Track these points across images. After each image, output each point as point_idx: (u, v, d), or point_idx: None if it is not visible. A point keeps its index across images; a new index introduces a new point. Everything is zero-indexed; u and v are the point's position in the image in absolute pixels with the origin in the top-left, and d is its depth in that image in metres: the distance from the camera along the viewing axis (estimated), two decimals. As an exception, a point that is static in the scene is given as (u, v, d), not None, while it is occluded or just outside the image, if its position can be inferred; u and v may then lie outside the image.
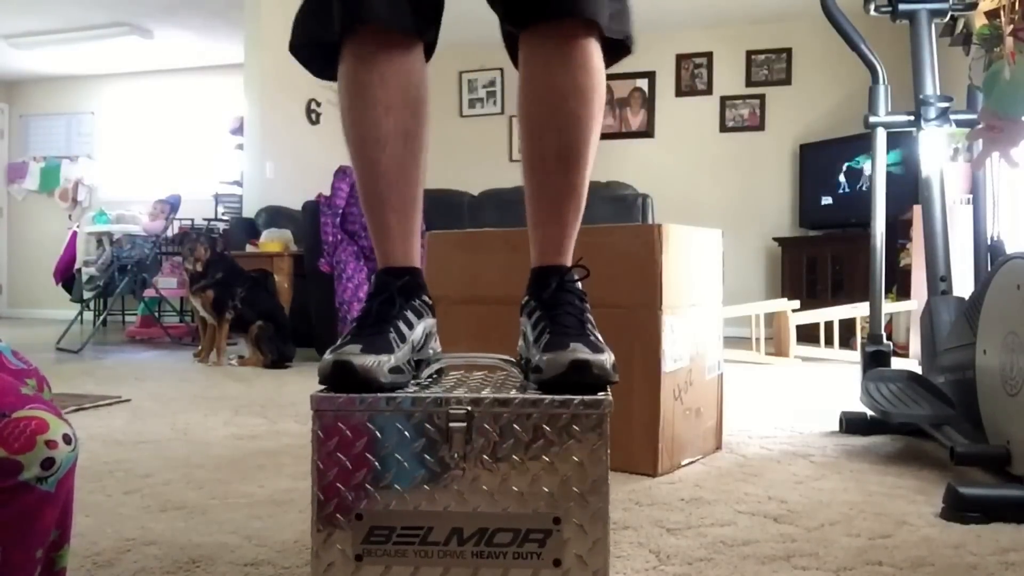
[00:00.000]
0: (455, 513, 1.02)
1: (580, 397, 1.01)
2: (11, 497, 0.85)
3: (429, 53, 1.28)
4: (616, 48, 1.23)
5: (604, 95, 1.20)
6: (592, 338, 1.09)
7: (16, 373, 1.03)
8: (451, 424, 1.02)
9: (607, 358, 1.05)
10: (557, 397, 1.01)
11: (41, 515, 0.89)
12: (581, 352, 1.03)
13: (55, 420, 0.89)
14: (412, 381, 1.15)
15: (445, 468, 1.02)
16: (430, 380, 1.18)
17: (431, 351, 1.25)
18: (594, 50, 1.16)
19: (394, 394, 1.04)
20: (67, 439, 0.88)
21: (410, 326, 1.16)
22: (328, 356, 1.06)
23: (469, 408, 1.02)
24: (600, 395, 1.03)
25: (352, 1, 1.15)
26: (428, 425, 1.03)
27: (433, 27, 1.25)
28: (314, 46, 1.23)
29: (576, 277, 1.20)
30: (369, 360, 1.04)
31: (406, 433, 1.03)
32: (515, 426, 1.02)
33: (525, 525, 1.01)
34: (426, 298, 1.24)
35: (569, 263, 1.22)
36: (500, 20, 1.21)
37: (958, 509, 1.60)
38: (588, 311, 1.17)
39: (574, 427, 1.01)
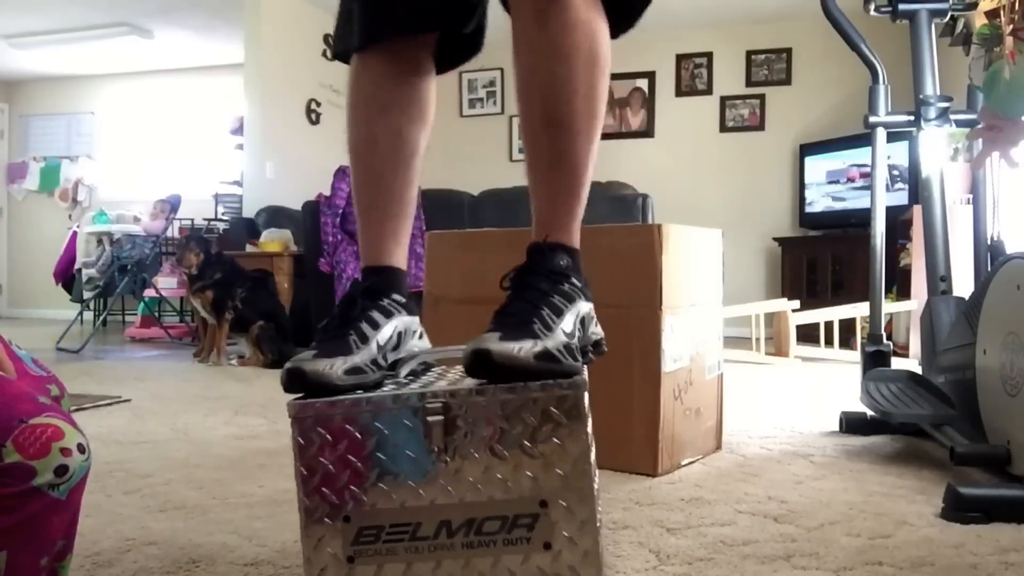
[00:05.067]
0: (442, 506, 1.02)
1: (555, 380, 1.01)
2: (22, 502, 0.86)
3: (463, 34, 1.26)
4: (629, 4, 1.18)
5: (597, 56, 1.12)
6: (532, 326, 1.02)
7: (38, 380, 1.04)
8: (429, 418, 1.02)
9: (524, 346, 0.98)
10: (533, 383, 1.00)
11: (50, 522, 0.90)
12: (487, 342, 0.99)
13: (71, 429, 0.90)
14: (390, 380, 1.14)
15: (428, 462, 1.02)
16: (409, 378, 1.17)
17: (414, 349, 1.23)
18: (578, 7, 1.10)
19: (371, 394, 1.04)
20: (81, 448, 0.90)
21: (375, 326, 1.15)
22: (286, 364, 1.06)
23: (446, 400, 1.02)
24: (575, 377, 1.02)
25: (368, 20, 1.20)
26: (407, 421, 1.03)
27: (441, 10, 1.22)
28: (347, 55, 1.28)
29: (556, 254, 1.13)
30: (321, 364, 1.04)
31: (386, 431, 1.03)
32: (493, 414, 1.01)
33: (512, 511, 1.01)
34: (398, 296, 1.22)
35: (563, 240, 1.15)
36: None
37: (958, 509, 1.60)
38: (555, 293, 1.10)
39: (552, 410, 1.00)
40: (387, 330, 1.17)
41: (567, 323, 1.08)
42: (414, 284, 1.31)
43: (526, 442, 1.01)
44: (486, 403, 1.02)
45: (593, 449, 1.02)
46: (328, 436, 1.03)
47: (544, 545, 1.00)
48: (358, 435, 1.03)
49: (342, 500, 1.02)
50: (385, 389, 1.08)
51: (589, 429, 1.01)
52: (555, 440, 1.00)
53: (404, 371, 1.18)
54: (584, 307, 1.15)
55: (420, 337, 1.27)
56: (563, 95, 1.12)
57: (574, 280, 1.14)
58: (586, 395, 1.01)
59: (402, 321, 1.21)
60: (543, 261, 1.13)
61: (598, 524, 1.01)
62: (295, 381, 1.04)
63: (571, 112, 1.12)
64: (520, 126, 1.18)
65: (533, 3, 1.11)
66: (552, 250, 1.14)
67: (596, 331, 1.18)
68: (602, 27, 1.14)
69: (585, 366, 1.08)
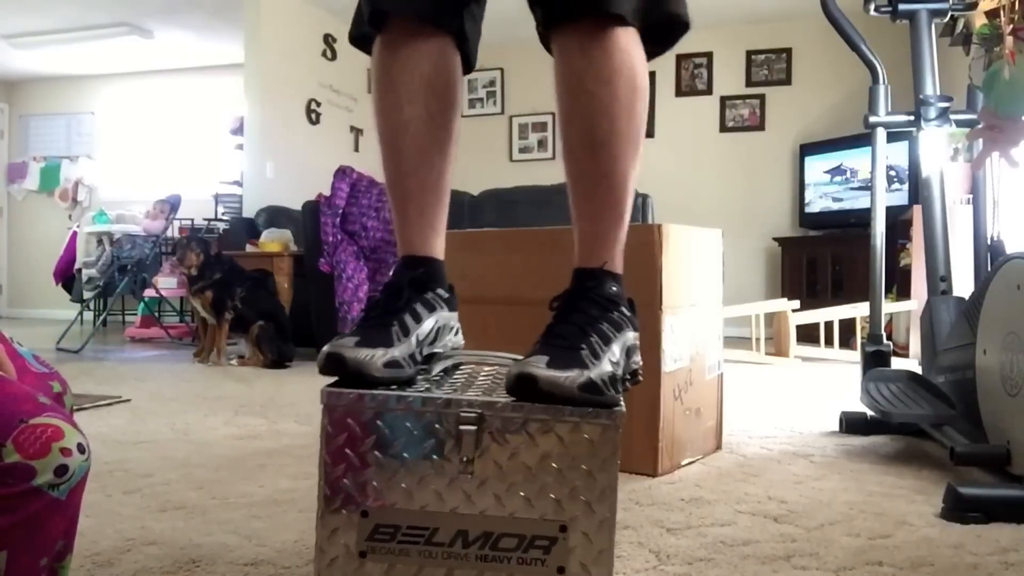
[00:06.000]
0: (461, 515, 1.01)
1: (593, 408, 1.00)
2: (22, 501, 0.86)
3: (468, 50, 1.27)
4: (666, 29, 1.20)
5: (634, 81, 1.15)
6: (580, 351, 1.03)
7: (40, 377, 1.04)
8: (461, 427, 1.01)
9: (570, 375, 0.99)
10: (570, 407, 1.00)
11: (50, 522, 0.90)
12: (533, 367, 0.99)
13: (70, 429, 0.90)
14: (421, 376, 1.14)
15: (453, 470, 1.01)
16: (440, 376, 1.17)
17: (449, 344, 1.23)
18: (619, 37, 1.13)
19: (405, 393, 1.04)
20: (81, 448, 0.90)
21: (417, 319, 1.15)
22: (325, 347, 1.05)
23: (481, 411, 1.01)
24: (615, 409, 1.01)
25: None
26: (438, 426, 1.02)
27: (456, 16, 1.23)
28: (364, 39, 1.27)
29: (605, 281, 1.14)
30: (362, 354, 1.04)
31: (415, 432, 1.02)
32: (526, 432, 1.01)
33: (531, 531, 1.00)
34: (441, 291, 1.22)
35: (608, 265, 1.16)
36: (536, 22, 1.21)
37: (958, 509, 1.60)
38: (605, 320, 1.11)
39: (585, 436, 1.00)
40: (428, 324, 1.17)
41: (614, 353, 1.09)
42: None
43: (555, 465, 1.00)
44: (521, 420, 1.01)
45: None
46: (357, 428, 1.02)
47: (558, 569, 0.99)
48: (387, 432, 1.02)
49: (362, 494, 1.02)
50: (419, 388, 1.07)
51: (619, 461, 1.01)
52: (584, 468, 1.00)
53: (437, 368, 1.17)
54: (631, 336, 1.16)
55: (456, 333, 1.27)
56: (606, 117, 1.14)
57: (623, 309, 1.16)
58: (621, 428, 1.00)
59: (443, 316, 1.21)
60: (595, 286, 1.14)
61: (614, 554, 1.01)
62: (333, 366, 1.04)
63: (614, 133, 1.14)
64: (563, 156, 1.20)
65: (577, 37, 1.13)
66: (604, 276, 1.15)
67: (637, 360, 1.19)
68: (640, 54, 1.17)
69: (621, 395, 1.08)
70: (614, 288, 1.15)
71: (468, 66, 1.30)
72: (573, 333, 1.07)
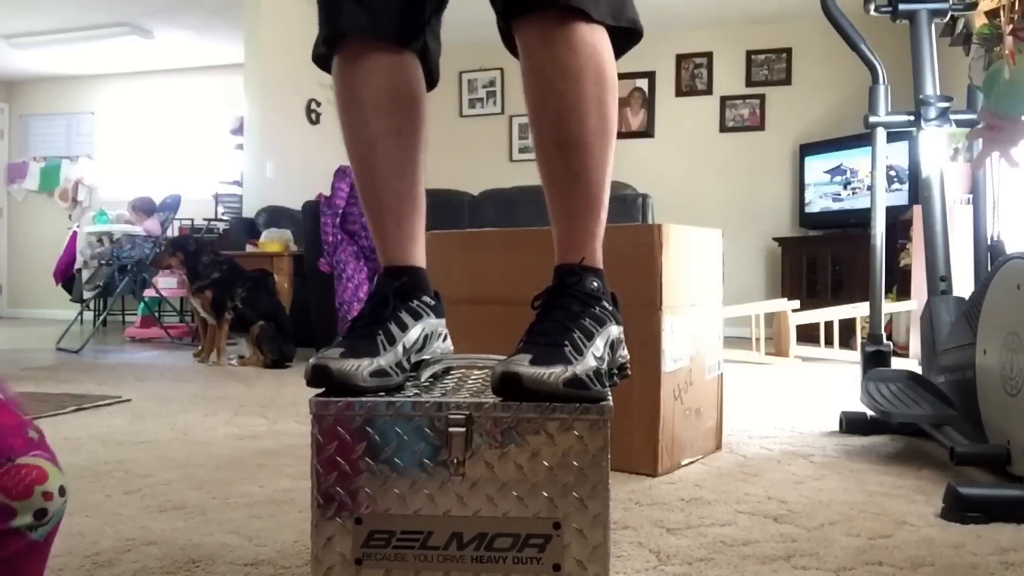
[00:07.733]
0: (455, 517, 1.02)
1: (581, 404, 1.00)
2: (1, 542, 0.85)
3: (431, 66, 1.27)
4: (623, 35, 1.18)
5: (603, 75, 1.13)
6: (563, 348, 1.03)
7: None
8: (451, 428, 1.01)
9: (554, 371, 0.99)
10: (558, 403, 1.00)
11: (25, 564, 0.89)
12: (516, 365, 0.99)
13: (54, 471, 0.89)
14: (411, 383, 1.14)
15: (445, 472, 1.02)
16: (429, 382, 1.17)
17: (437, 351, 1.24)
18: (583, 31, 1.11)
19: (394, 398, 1.04)
20: (62, 491, 0.89)
21: (403, 327, 1.15)
22: (311, 360, 1.06)
23: (469, 412, 1.02)
24: (601, 402, 1.02)
25: (332, 14, 1.19)
26: (428, 429, 1.02)
27: (419, 35, 1.23)
28: (323, 58, 1.26)
29: (586, 277, 1.14)
30: (348, 364, 1.04)
31: (405, 437, 1.02)
32: (515, 431, 1.01)
33: (525, 530, 1.01)
34: (427, 299, 1.23)
35: (588, 260, 1.16)
36: (496, 16, 1.19)
37: (958, 509, 1.60)
38: (587, 316, 1.11)
39: (574, 432, 1.00)
40: (414, 332, 1.17)
41: (598, 347, 1.09)
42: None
43: (545, 462, 1.01)
44: (510, 419, 1.01)
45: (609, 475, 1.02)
46: (347, 436, 1.03)
47: (554, 567, 1.00)
48: (377, 438, 1.02)
49: (355, 501, 1.02)
50: (408, 394, 1.08)
51: (609, 456, 1.01)
52: (575, 464, 1.00)
53: (426, 374, 1.18)
54: (614, 331, 1.16)
55: (444, 340, 1.27)
56: (576, 114, 1.12)
57: (605, 303, 1.15)
58: (609, 422, 1.01)
59: (429, 323, 1.21)
60: (576, 282, 1.13)
61: (609, 550, 1.01)
62: (320, 378, 1.04)
63: (584, 131, 1.13)
64: (536, 155, 1.19)
65: (539, 29, 1.12)
66: (584, 272, 1.15)
67: (623, 354, 1.19)
68: (607, 47, 1.15)
69: (609, 389, 1.08)
70: (595, 283, 1.15)
71: (432, 82, 1.29)
72: (555, 330, 1.07)
